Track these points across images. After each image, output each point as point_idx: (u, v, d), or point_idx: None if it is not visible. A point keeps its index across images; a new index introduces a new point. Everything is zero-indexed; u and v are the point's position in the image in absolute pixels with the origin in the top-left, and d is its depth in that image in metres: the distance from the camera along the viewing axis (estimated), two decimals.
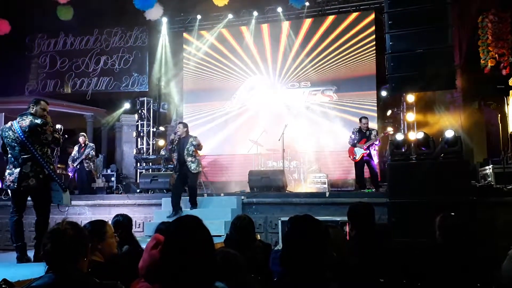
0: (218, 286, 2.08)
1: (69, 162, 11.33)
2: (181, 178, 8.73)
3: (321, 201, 8.71)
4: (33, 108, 5.49)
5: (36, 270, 3.47)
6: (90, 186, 11.58)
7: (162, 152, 8.83)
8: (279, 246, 6.74)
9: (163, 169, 12.48)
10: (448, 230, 3.53)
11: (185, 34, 14.53)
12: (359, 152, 9.79)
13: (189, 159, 8.54)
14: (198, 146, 8.75)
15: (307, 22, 13.37)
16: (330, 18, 13.17)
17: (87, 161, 11.20)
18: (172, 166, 10.79)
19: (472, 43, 10.84)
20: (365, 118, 10.23)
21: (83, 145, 11.34)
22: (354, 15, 12.99)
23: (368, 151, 9.74)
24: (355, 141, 9.90)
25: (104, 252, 3.34)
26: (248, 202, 9.09)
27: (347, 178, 11.69)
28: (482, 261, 3.40)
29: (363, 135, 9.91)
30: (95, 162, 12.03)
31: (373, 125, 11.35)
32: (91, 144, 11.55)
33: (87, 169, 11.24)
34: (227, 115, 13.78)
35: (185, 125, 8.96)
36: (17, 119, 5.42)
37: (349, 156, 10.08)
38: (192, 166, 8.55)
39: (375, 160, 10.09)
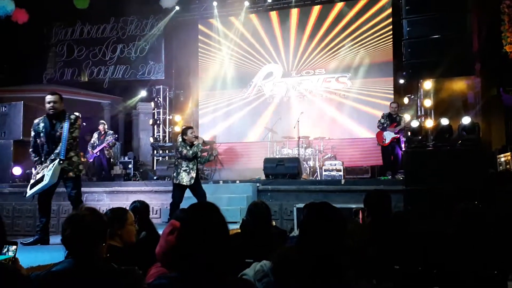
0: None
1: (89, 149, 11.53)
2: (183, 190, 7.51)
3: (336, 188, 8.69)
4: None
5: (55, 256, 3.55)
6: (111, 173, 11.79)
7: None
8: (294, 233, 6.79)
9: None
10: (466, 218, 3.51)
11: (200, 22, 14.49)
12: (389, 136, 9.74)
13: (201, 166, 7.65)
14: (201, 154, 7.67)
15: (321, 7, 13.18)
16: (345, 2, 12.97)
17: (107, 148, 11.39)
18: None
19: (492, 29, 10.62)
20: (395, 103, 10.34)
21: (102, 132, 11.52)
22: None
23: (398, 135, 9.70)
24: (385, 125, 9.86)
25: (124, 239, 3.41)
26: (264, 189, 9.10)
27: (363, 165, 11.62)
28: (499, 248, 3.38)
29: (393, 119, 9.88)
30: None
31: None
32: (111, 132, 11.72)
33: (107, 156, 11.48)
34: (242, 102, 13.75)
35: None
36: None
37: (377, 141, 10.04)
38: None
39: (402, 146, 9.99)
